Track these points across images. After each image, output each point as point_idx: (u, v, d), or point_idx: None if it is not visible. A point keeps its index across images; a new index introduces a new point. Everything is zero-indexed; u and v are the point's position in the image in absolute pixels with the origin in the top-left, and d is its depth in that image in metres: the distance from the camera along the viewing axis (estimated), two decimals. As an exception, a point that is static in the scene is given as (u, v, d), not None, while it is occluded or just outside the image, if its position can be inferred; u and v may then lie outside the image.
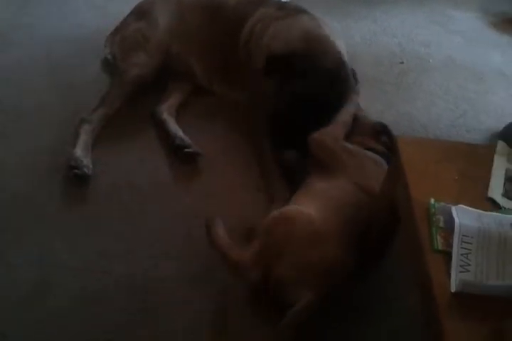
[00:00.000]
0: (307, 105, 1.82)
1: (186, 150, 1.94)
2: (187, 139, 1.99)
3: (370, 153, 1.68)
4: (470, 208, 1.17)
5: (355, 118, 1.84)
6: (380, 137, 1.77)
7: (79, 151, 1.88)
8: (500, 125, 2.31)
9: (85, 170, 1.82)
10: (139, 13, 2.32)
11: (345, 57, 2.03)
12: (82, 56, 2.47)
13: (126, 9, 2.39)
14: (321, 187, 1.59)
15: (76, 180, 1.82)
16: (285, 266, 1.39)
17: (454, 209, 1.15)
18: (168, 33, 2.22)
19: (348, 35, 2.87)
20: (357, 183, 1.55)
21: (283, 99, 1.88)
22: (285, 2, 2.86)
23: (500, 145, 1.40)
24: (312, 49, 1.93)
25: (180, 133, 2.02)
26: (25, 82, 2.31)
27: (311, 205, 1.49)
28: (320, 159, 1.68)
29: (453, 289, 1.02)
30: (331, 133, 1.72)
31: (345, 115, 1.80)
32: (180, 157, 1.96)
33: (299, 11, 2.17)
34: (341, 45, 2.07)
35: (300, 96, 1.85)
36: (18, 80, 2.31)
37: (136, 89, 2.15)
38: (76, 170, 1.81)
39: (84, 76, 2.35)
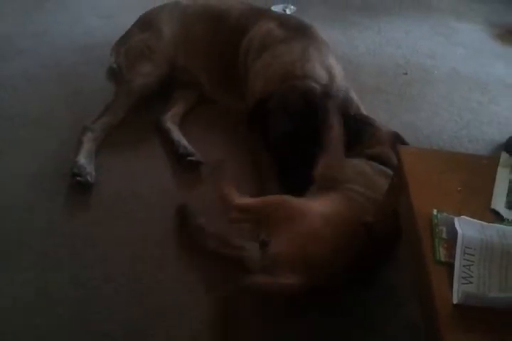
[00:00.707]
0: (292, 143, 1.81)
1: (189, 158, 1.95)
2: (190, 147, 2.00)
3: (376, 166, 1.68)
4: (473, 219, 1.16)
5: (376, 129, 1.84)
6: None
7: (82, 159, 1.89)
8: (503, 136, 2.31)
9: (88, 177, 1.83)
10: (143, 24, 2.35)
11: (338, 82, 2.03)
12: (89, 64, 2.50)
13: (132, 19, 2.42)
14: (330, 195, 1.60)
15: (79, 187, 1.83)
16: (282, 245, 1.42)
17: (456, 221, 1.15)
18: (173, 44, 2.24)
19: (353, 46, 2.89)
20: (362, 193, 1.56)
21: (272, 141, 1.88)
22: (288, 14, 2.89)
23: (504, 156, 1.39)
24: (286, 89, 1.89)
25: (183, 141, 2.03)
26: (33, 89, 2.34)
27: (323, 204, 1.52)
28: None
29: (455, 301, 1.01)
30: (332, 162, 1.69)
31: (334, 132, 1.74)
32: (184, 165, 1.96)
33: (300, 30, 2.13)
34: (335, 71, 2.06)
35: (281, 137, 1.83)
36: (26, 87, 2.34)
37: (141, 98, 2.16)
38: (79, 178, 1.82)
39: (91, 84, 2.38)
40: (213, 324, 1.47)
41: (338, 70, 2.10)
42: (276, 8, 3.02)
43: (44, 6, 2.98)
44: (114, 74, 2.35)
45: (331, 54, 2.14)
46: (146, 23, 2.34)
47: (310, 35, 2.13)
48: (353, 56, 2.79)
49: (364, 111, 2.12)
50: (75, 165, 1.86)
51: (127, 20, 2.44)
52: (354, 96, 2.15)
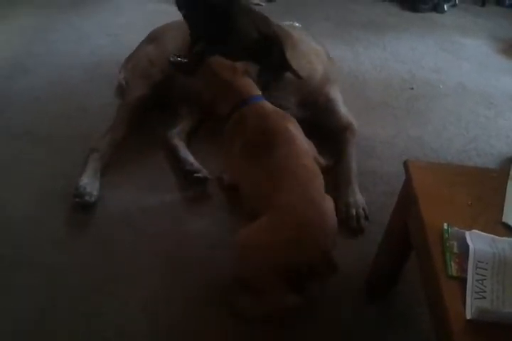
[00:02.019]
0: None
1: (196, 175, 1.95)
2: (197, 164, 2.00)
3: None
4: (484, 233, 1.15)
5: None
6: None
7: (85, 179, 1.88)
8: (511, 149, 2.30)
9: (87, 198, 1.83)
10: (150, 40, 2.39)
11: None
12: (95, 82, 2.53)
13: (138, 37, 2.45)
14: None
15: (79, 208, 1.83)
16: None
17: (468, 235, 1.13)
18: None
19: (358, 62, 2.90)
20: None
21: None
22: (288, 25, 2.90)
23: (514, 169, 1.38)
24: None
25: (190, 158, 2.03)
26: (40, 107, 2.35)
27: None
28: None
29: (468, 316, 0.99)
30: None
31: None
32: (190, 181, 1.96)
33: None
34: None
35: None
36: (33, 106, 2.36)
37: (139, 111, 2.17)
38: (77, 199, 1.82)
39: (97, 101, 2.39)
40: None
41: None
42: (282, 25, 3.04)
43: (51, 26, 3.02)
44: (123, 91, 2.36)
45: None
46: (152, 38, 2.39)
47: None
48: (358, 72, 2.80)
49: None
50: (76, 186, 1.86)
51: (133, 38, 2.48)
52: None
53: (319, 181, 1.51)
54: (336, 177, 2.00)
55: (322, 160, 1.66)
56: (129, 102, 2.18)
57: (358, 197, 1.91)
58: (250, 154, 1.55)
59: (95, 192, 1.87)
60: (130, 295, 1.58)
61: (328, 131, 2.17)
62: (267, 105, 1.66)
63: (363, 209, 1.88)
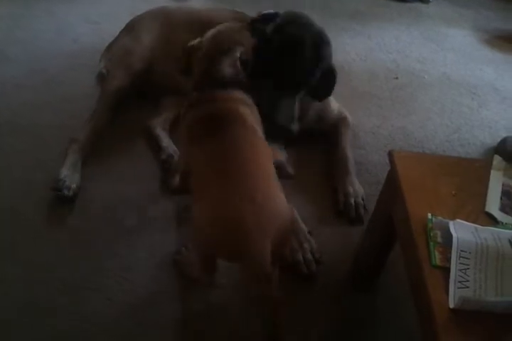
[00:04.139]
0: None
1: (180, 165, 1.93)
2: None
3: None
4: (467, 223, 1.15)
5: None
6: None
7: (64, 171, 1.85)
8: (493, 139, 2.33)
9: (65, 191, 1.79)
10: (127, 29, 2.36)
11: None
12: (77, 71, 2.48)
13: (120, 25, 2.40)
14: None
15: (58, 201, 1.80)
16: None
17: (451, 224, 1.14)
18: (151, 48, 2.23)
19: (344, 51, 2.89)
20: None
21: None
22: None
23: (497, 159, 1.39)
24: None
25: (172, 147, 2.01)
26: (21, 96, 2.30)
27: None
28: None
29: (451, 305, 1.00)
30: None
31: None
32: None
33: None
34: None
35: None
36: (13, 95, 2.31)
37: (117, 101, 2.15)
38: (58, 192, 1.79)
39: (79, 90, 2.35)
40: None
41: None
42: (267, 15, 3.01)
43: (31, 13, 2.96)
44: (103, 80, 2.33)
45: None
46: (129, 28, 2.36)
47: None
48: (344, 62, 2.79)
49: None
50: (55, 178, 1.82)
51: (115, 26, 2.43)
52: None
53: (268, 175, 1.33)
54: (332, 168, 2.01)
55: (290, 169, 1.55)
56: (109, 92, 2.15)
57: (357, 187, 1.92)
58: (195, 140, 1.42)
59: (74, 186, 1.83)
60: (113, 290, 1.56)
61: (321, 125, 2.15)
62: (230, 93, 1.50)
63: (362, 199, 1.88)
